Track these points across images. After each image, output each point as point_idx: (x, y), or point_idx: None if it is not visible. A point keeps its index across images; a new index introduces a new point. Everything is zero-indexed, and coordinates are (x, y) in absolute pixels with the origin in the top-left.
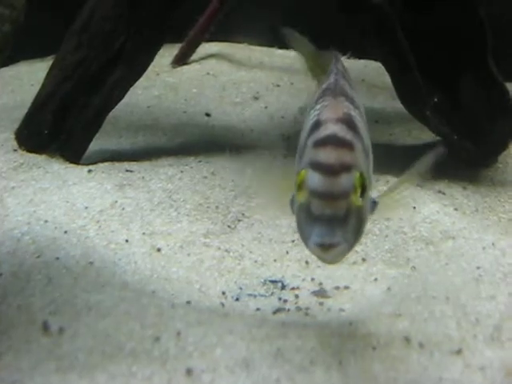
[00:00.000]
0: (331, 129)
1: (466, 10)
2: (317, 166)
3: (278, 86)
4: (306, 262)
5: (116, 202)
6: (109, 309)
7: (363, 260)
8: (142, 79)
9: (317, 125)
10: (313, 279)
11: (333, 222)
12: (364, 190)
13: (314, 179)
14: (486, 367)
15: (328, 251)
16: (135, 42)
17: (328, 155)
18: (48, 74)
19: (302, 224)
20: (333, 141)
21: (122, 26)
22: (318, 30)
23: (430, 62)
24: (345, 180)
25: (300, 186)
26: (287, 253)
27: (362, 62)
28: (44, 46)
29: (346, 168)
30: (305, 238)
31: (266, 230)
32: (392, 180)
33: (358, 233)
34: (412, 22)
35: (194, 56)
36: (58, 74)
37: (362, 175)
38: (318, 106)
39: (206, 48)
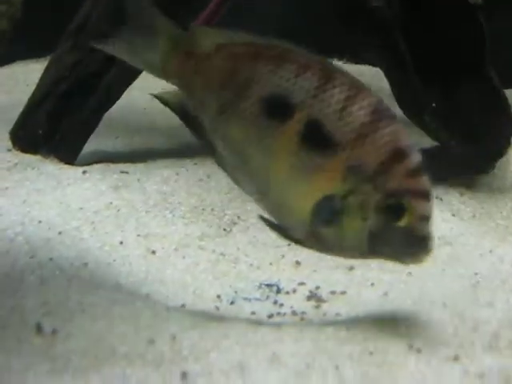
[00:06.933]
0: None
1: (465, 15)
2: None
3: None
4: (302, 266)
5: (111, 203)
6: (102, 311)
7: (359, 265)
8: (138, 80)
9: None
10: (309, 283)
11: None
12: None
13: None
14: (484, 375)
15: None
16: None
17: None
18: (43, 74)
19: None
20: None
21: (118, 25)
22: (317, 34)
23: (429, 66)
24: None
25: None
26: (283, 256)
27: (359, 67)
28: (40, 46)
29: None
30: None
31: (262, 234)
32: None
33: None
34: (410, 25)
35: None
36: (53, 75)
37: None
38: None
39: None
